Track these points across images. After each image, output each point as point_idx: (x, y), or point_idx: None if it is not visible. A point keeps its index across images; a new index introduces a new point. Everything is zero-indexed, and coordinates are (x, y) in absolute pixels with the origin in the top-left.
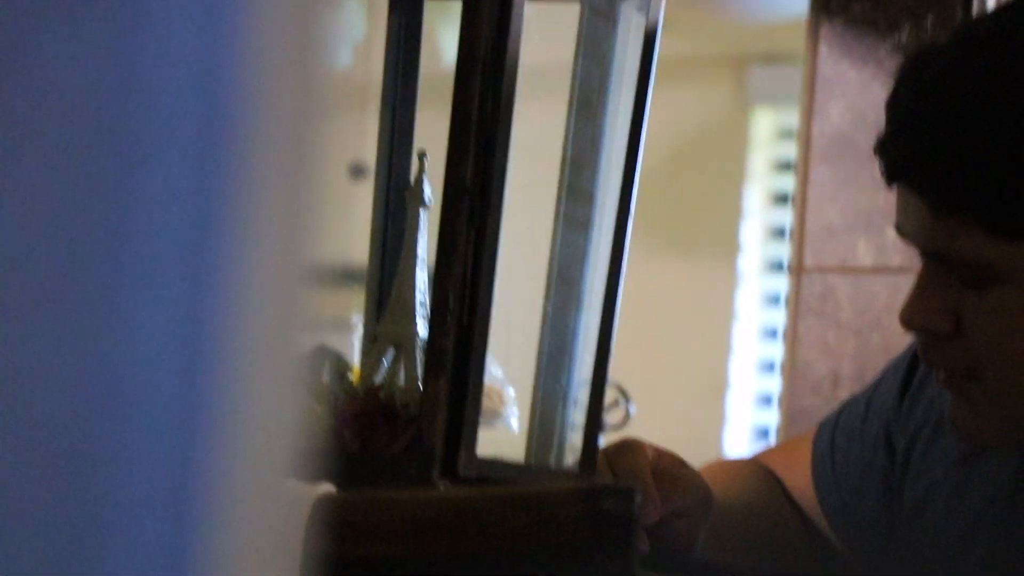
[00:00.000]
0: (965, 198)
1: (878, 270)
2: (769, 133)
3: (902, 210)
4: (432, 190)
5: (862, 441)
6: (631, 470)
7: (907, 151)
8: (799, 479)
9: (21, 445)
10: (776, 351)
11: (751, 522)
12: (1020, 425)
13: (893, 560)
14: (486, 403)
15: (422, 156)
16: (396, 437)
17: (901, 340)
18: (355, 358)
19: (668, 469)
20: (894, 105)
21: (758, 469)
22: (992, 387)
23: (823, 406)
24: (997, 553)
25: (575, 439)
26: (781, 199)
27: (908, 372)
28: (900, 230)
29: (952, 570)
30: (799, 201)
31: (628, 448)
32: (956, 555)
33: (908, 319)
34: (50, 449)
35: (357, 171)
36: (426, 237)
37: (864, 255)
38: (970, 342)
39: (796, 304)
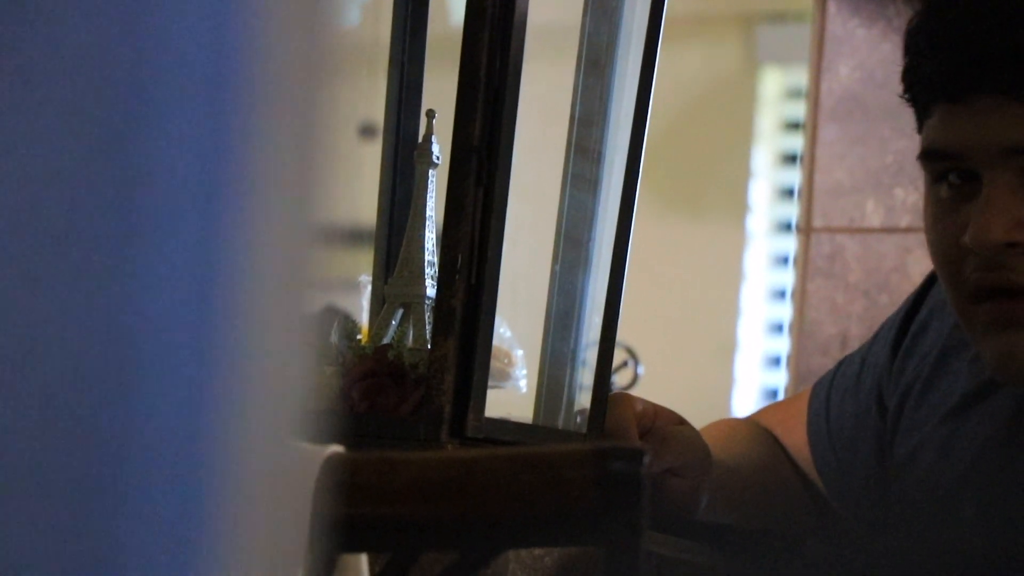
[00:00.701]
0: None
1: (887, 230)
2: (777, 92)
3: (959, 124)
4: (440, 149)
5: (856, 398)
6: (617, 425)
7: (986, 48)
8: (796, 438)
9: (31, 401)
10: (785, 312)
11: (754, 483)
12: None
13: (887, 517)
14: (494, 364)
15: (430, 115)
16: (404, 398)
17: None
18: (364, 318)
19: (662, 427)
20: (950, 13)
21: (756, 428)
22: None
23: (831, 366)
24: (987, 507)
25: (583, 400)
26: (790, 159)
27: (900, 330)
28: (947, 149)
29: (944, 525)
30: (807, 161)
31: (615, 404)
32: (947, 510)
33: (986, 235)
34: (59, 406)
35: (367, 131)
36: (434, 197)
37: (872, 215)
38: None
39: (804, 264)
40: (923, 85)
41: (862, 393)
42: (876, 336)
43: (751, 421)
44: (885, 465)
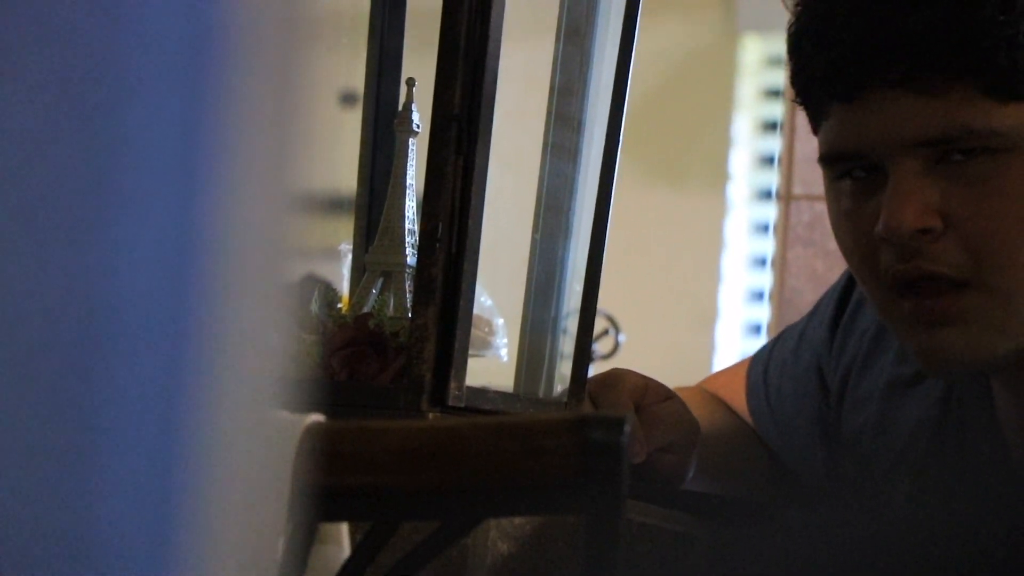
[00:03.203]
0: (965, 64)
1: None
2: (758, 60)
3: (857, 123)
4: (420, 118)
5: (794, 374)
6: (614, 408)
7: (873, 44)
8: (742, 407)
9: (4, 374)
10: (765, 280)
11: (731, 450)
12: (1021, 329)
13: (833, 491)
14: (475, 333)
15: (410, 83)
16: (385, 367)
17: None
18: (344, 287)
19: (652, 405)
20: (831, 12)
21: (710, 396)
22: (996, 287)
23: None
24: (920, 488)
25: (564, 369)
26: (770, 127)
27: (839, 306)
28: (849, 150)
29: (882, 504)
30: (788, 129)
31: (611, 384)
32: (885, 489)
33: (898, 223)
34: (33, 378)
35: (347, 99)
36: (415, 165)
37: None
38: (965, 236)
39: (785, 232)
40: (815, 87)
41: (800, 370)
42: (815, 311)
43: (700, 389)
44: (829, 442)
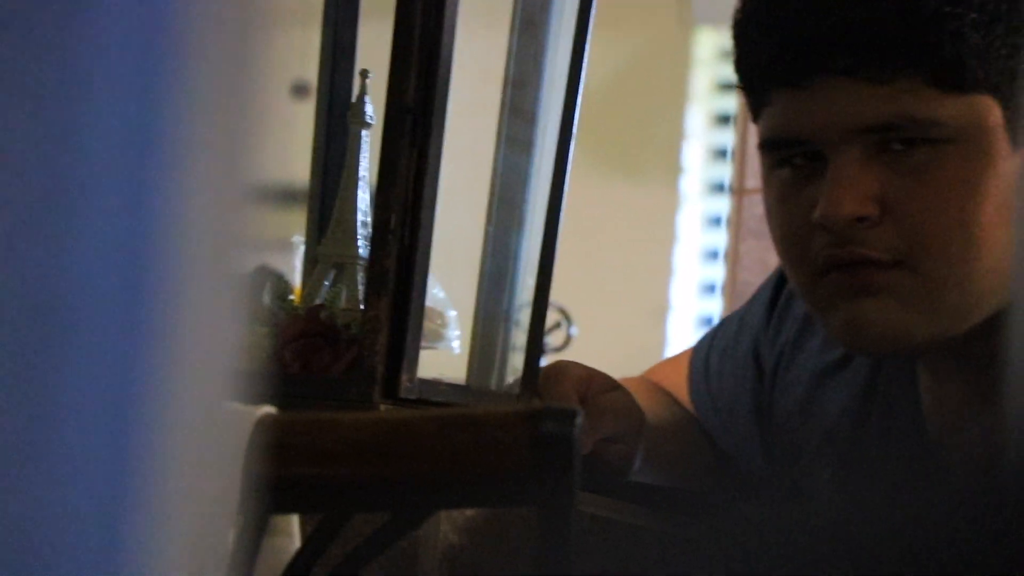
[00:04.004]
0: (911, 54)
1: None
2: (712, 53)
3: (801, 109)
4: (374, 110)
5: (734, 359)
6: (559, 400)
7: (820, 31)
8: (685, 396)
9: None
10: (718, 272)
11: (671, 438)
12: (943, 316)
13: (769, 475)
14: (427, 325)
15: (364, 75)
16: (337, 358)
17: None
18: (296, 279)
19: (597, 396)
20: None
21: (654, 386)
22: (926, 272)
23: None
24: (842, 473)
25: (516, 361)
26: (723, 120)
27: (776, 289)
28: (792, 135)
29: (808, 488)
30: (741, 122)
31: (556, 376)
32: (811, 473)
33: (836, 210)
34: None
35: (300, 90)
36: (368, 157)
37: None
38: (902, 224)
39: (737, 225)
40: (759, 73)
41: (739, 354)
42: (754, 297)
43: (644, 379)
44: (763, 425)
